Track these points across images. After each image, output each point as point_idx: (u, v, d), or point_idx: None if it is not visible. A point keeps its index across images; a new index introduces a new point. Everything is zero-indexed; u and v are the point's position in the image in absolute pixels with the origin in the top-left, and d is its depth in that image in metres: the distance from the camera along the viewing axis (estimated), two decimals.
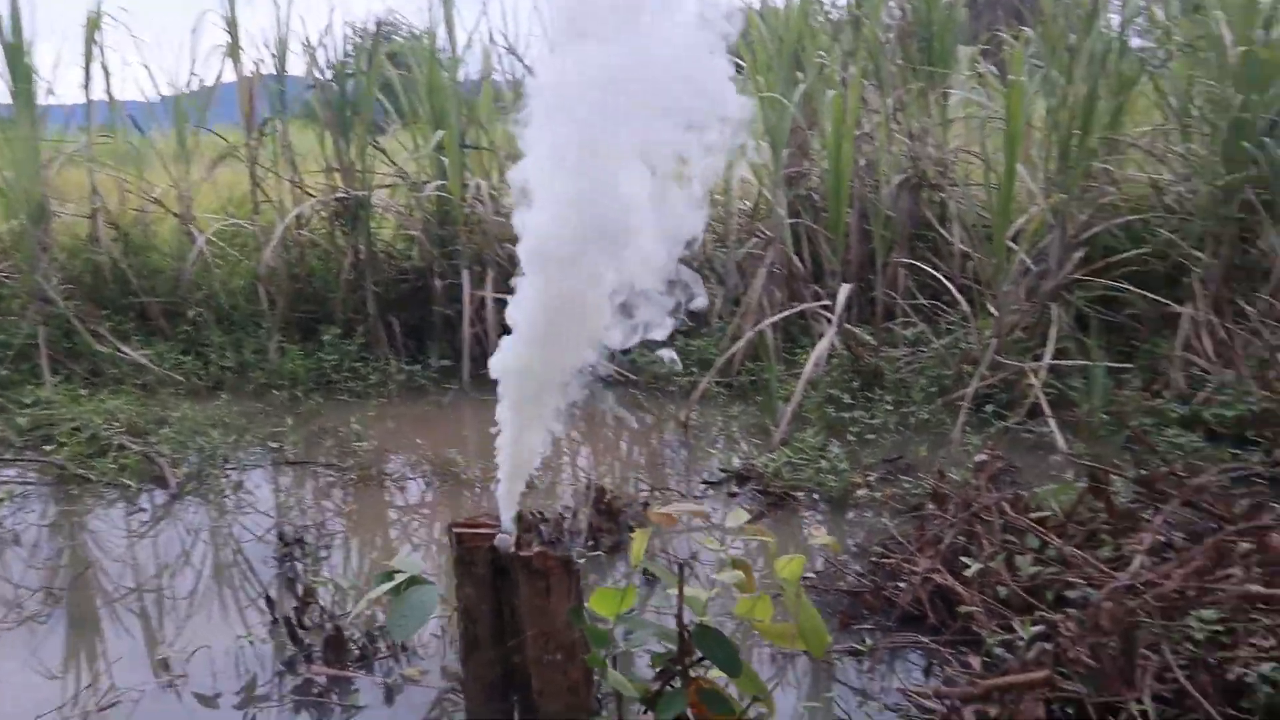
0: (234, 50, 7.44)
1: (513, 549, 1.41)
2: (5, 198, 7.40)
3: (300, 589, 3.30)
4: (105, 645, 3.21)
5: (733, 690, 1.56)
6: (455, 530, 1.43)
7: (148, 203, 7.90)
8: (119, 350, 6.75)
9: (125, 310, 7.38)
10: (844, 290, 5.86)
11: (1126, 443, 4.79)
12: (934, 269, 7.14)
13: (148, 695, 2.89)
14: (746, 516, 1.67)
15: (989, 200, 6.64)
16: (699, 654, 1.48)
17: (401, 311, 7.25)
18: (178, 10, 8.18)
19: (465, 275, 6.91)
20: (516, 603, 1.41)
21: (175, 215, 7.79)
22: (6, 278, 7.42)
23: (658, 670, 1.51)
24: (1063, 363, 5.45)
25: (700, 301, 2.04)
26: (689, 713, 1.45)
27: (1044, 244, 6.24)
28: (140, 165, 7.86)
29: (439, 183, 7.25)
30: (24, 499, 4.62)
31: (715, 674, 1.57)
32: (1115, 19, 6.78)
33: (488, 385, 5.34)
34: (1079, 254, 6.04)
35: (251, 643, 3.13)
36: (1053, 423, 4.95)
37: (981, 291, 6.24)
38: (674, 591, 1.50)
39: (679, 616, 1.49)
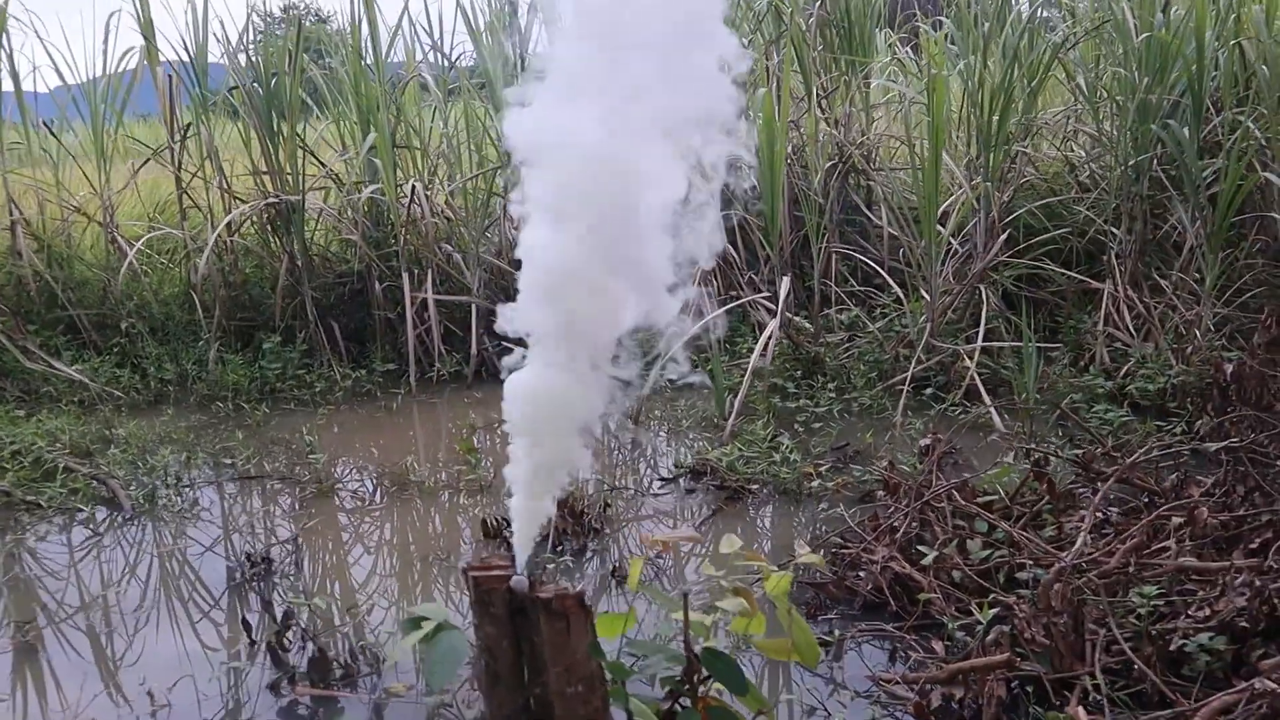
0: (150, 50, 7.30)
1: (529, 590, 1.50)
2: None
3: (277, 610, 3.33)
4: (84, 678, 3.20)
5: (737, 705, 1.68)
6: (471, 574, 1.51)
7: (69, 211, 7.73)
8: (51, 366, 6.62)
9: (54, 324, 7.22)
10: (785, 282, 6.00)
11: (1059, 420, 5.02)
12: (864, 253, 7.37)
13: None
14: (739, 544, 1.78)
15: (915, 184, 6.86)
16: (705, 673, 1.59)
17: (342, 316, 7.22)
18: (84, 4, 7.87)
19: (405, 278, 6.91)
20: (536, 640, 1.50)
21: (99, 224, 7.64)
22: None
23: (667, 691, 1.63)
24: (994, 344, 5.68)
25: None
26: None
27: (969, 227, 6.47)
28: (57, 170, 7.67)
29: (374, 187, 7.20)
30: None
31: (717, 686, 1.69)
32: (1025, 5, 7.07)
33: (433, 388, 5.37)
34: (1003, 236, 6.28)
35: (234, 669, 3.16)
36: (989, 403, 5.16)
37: (912, 275, 6.45)
38: (670, 613, 1.61)
39: (686, 642, 1.60)
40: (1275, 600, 2.60)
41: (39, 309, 7.26)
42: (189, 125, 7.37)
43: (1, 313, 6.91)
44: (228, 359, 6.73)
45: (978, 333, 5.79)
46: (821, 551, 3.64)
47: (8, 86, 7.30)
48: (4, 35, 7.07)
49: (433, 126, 7.75)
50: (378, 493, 4.88)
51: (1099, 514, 3.49)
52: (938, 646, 2.90)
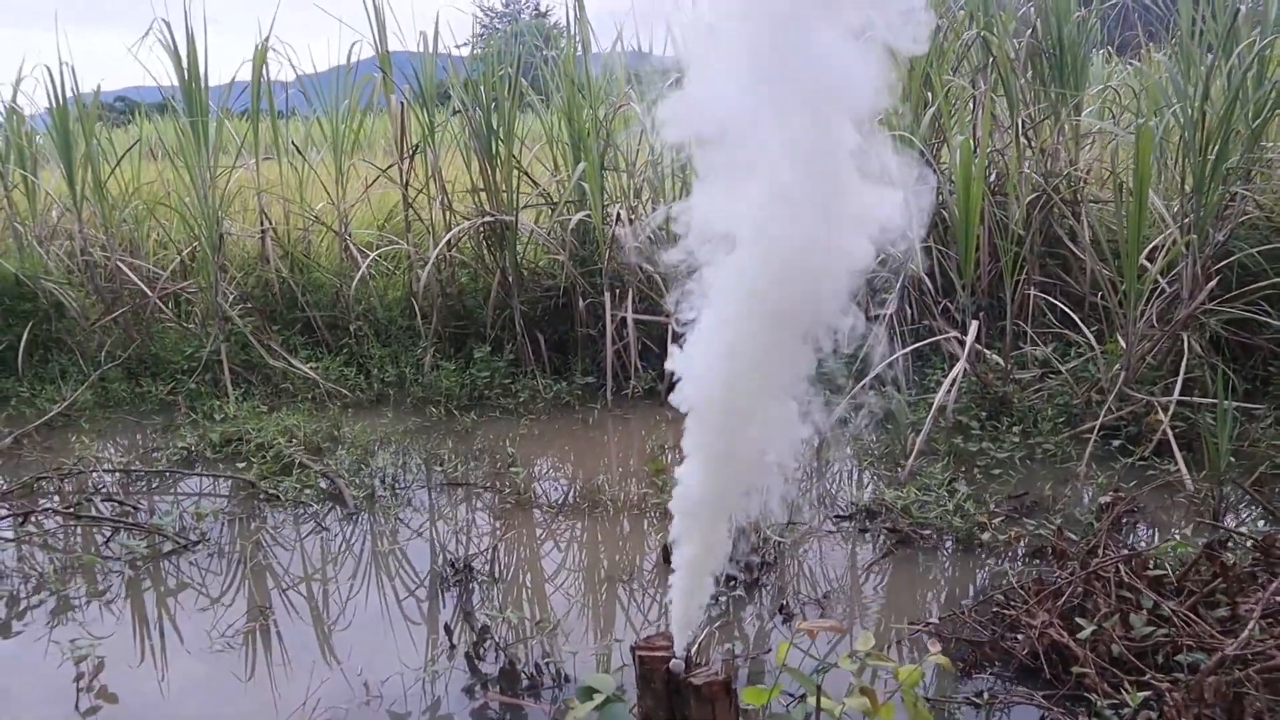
0: (386, 81, 7.98)
1: (684, 675, 1.76)
2: (186, 223, 8.16)
3: (475, 622, 3.74)
4: (312, 664, 3.70)
5: None
6: (637, 652, 1.78)
7: (309, 221, 8.58)
8: (290, 364, 7.40)
9: (292, 324, 8.06)
10: (974, 325, 6.00)
11: (1256, 484, 4.85)
12: (1065, 289, 7.23)
13: (350, 713, 3.37)
14: (872, 642, 1.97)
15: (1119, 222, 6.68)
16: None
17: (547, 328, 7.71)
18: (331, 34, 8.67)
19: (607, 296, 7.31)
20: (686, 714, 1.76)
21: (335, 233, 8.44)
22: (189, 295, 8.20)
23: None
24: (1189, 399, 5.50)
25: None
26: None
27: (1178, 269, 6.25)
28: (301, 186, 8.52)
29: (582, 214, 7.61)
30: (223, 515, 5.20)
31: None
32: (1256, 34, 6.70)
33: (628, 403, 5.67)
34: (1212, 282, 6.04)
35: (434, 671, 3.58)
36: (1180, 461, 5.04)
37: (1113, 314, 6.31)
38: (809, 696, 1.83)
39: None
40: None
41: (281, 310, 8.11)
42: (416, 147, 8.03)
43: (251, 313, 7.77)
44: (442, 365, 7.33)
45: (1176, 381, 5.63)
46: (984, 611, 3.74)
47: (265, 125, 8.15)
48: (265, 67, 7.90)
49: (639, 150, 8.12)
50: (570, 508, 5.25)
51: (1277, 600, 3.43)
52: None
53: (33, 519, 5.06)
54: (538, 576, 4.52)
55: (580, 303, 7.57)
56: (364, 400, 7.20)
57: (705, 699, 1.71)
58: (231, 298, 7.66)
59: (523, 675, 3.47)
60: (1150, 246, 6.45)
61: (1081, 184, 7.51)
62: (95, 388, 7.29)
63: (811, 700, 1.82)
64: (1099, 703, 3.00)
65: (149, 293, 7.87)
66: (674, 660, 1.78)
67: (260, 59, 7.96)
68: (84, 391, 7.15)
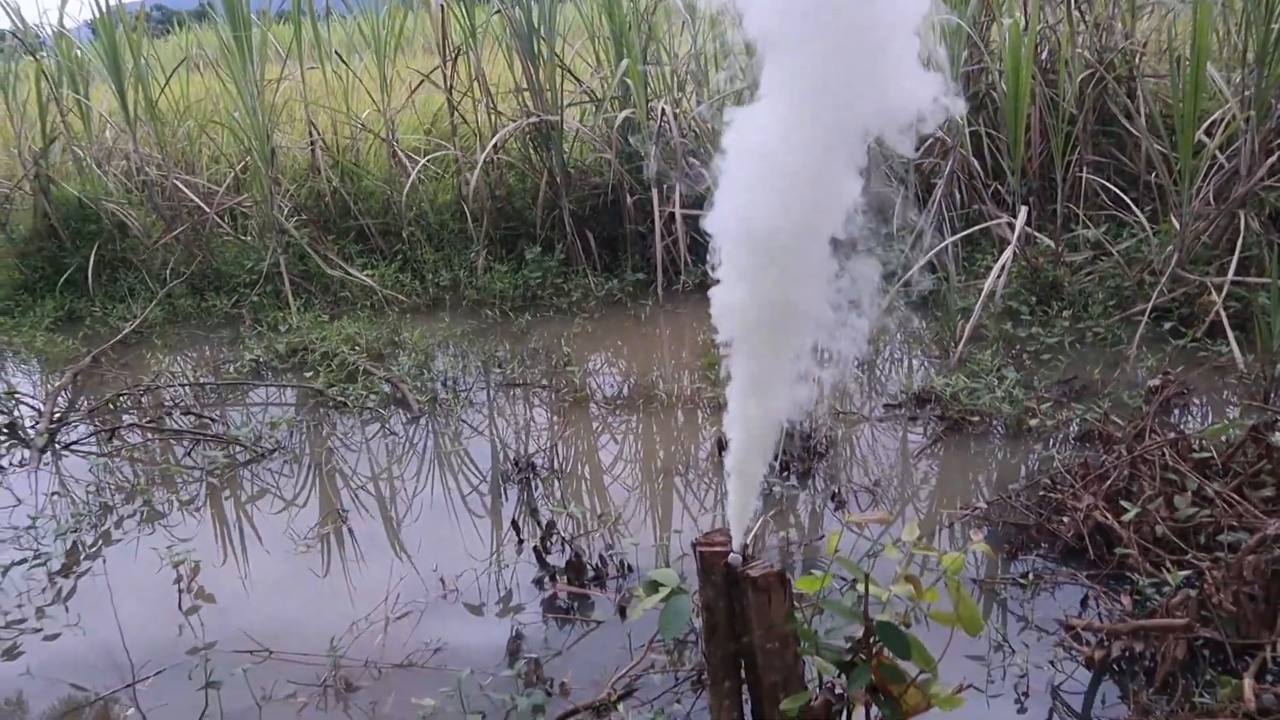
0: None
1: (741, 568, 1.90)
2: (236, 137, 8.28)
3: (541, 518, 3.95)
4: (391, 563, 3.94)
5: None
6: (698, 548, 1.93)
7: (357, 129, 8.65)
8: (347, 273, 7.58)
9: (346, 233, 8.22)
10: (1023, 211, 5.96)
11: None
12: (1119, 167, 7.11)
13: (429, 606, 3.60)
14: (918, 533, 2.09)
15: (1176, 95, 6.52)
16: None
17: (596, 226, 7.77)
18: None
19: (654, 193, 7.34)
20: (744, 604, 1.91)
21: (382, 140, 8.51)
22: (245, 209, 8.37)
23: (849, 646, 1.99)
24: (1246, 279, 5.45)
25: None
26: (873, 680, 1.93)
27: (1237, 144, 6.12)
28: (347, 95, 8.57)
29: (627, 112, 7.57)
30: (294, 423, 5.44)
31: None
32: None
33: (679, 298, 5.73)
34: (1273, 157, 5.91)
35: (506, 565, 3.79)
36: (1233, 341, 5.03)
37: (1167, 194, 6.22)
38: (858, 583, 1.97)
39: (865, 611, 1.95)
40: None
41: (335, 219, 8.26)
42: (459, 49, 8.01)
43: (306, 224, 7.93)
44: (494, 268, 7.45)
45: (1231, 261, 5.57)
46: (1031, 495, 3.86)
47: (306, 29, 8.15)
48: None
49: (681, 40, 8.03)
50: (626, 403, 5.41)
51: None
52: (1126, 601, 3.10)
53: (119, 434, 5.34)
54: (597, 471, 4.70)
55: (628, 200, 7.61)
56: (420, 305, 7.37)
57: (761, 589, 1.86)
58: (286, 210, 7.81)
59: (588, 567, 3.67)
60: (1209, 122, 6.31)
61: (1137, 58, 7.30)
62: (163, 304, 7.55)
63: (860, 587, 1.95)
64: (1141, 581, 3.11)
65: (206, 209, 8.05)
66: (732, 555, 1.92)
67: None
68: (153, 309, 7.41)
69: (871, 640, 1.93)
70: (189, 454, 5.12)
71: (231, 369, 6.30)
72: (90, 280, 7.84)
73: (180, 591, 3.81)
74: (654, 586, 2.00)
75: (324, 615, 3.61)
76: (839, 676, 2.03)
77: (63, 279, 8.00)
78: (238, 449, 5.07)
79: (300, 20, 8.10)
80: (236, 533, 4.36)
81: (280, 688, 3.15)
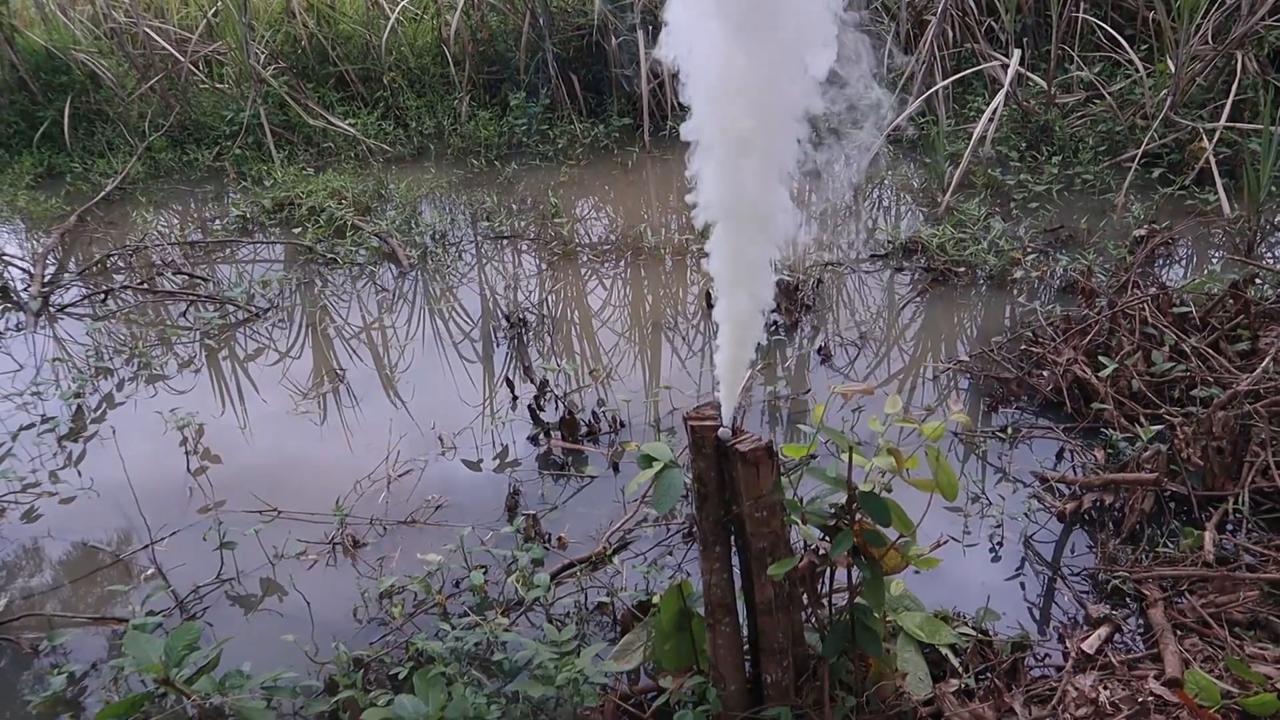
0: None
1: (731, 441, 1.98)
2: None
3: (534, 376, 4.04)
4: (390, 420, 4.04)
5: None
6: (689, 422, 2.00)
7: None
8: (330, 123, 7.45)
9: (325, 80, 8.02)
10: (1016, 54, 5.84)
11: None
12: (1117, 3, 6.93)
13: (430, 463, 3.73)
14: (899, 404, 2.17)
15: None
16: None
17: (581, 69, 7.59)
18: None
19: (640, 35, 7.14)
20: (734, 475, 2.00)
21: None
22: (220, 57, 8.12)
23: (833, 513, 2.10)
24: (1238, 125, 5.41)
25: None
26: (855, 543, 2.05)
27: None
28: None
29: None
30: (286, 281, 5.46)
31: None
32: None
33: (665, 144, 5.69)
34: None
35: (502, 422, 3.90)
36: (1220, 189, 5.04)
37: (1164, 31, 6.09)
38: (842, 452, 2.06)
39: (849, 475, 2.05)
40: None
41: (313, 66, 8.04)
42: None
43: (284, 72, 7.73)
44: (478, 114, 7.32)
45: (1225, 105, 5.52)
46: (1014, 349, 3.95)
47: None
48: None
49: None
50: (615, 255, 5.43)
51: None
52: (1099, 454, 3.23)
53: (112, 296, 5.36)
54: (587, 324, 4.77)
55: (613, 42, 7.41)
56: (405, 154, 7.28)
57: (750, 463, 1.95)
58: (263, 58, 7.59)
59: (581, 423, 3.79)
60: None
61: None
62: (144, 159, 7.43)
63: (844, 457, 2.05)
64: (1114, 435, 3.24)
65: (180, 58, 7.82)
66: (721, 429, 2.00)
67: None
68: (134, 165, 7.30)
69: (854, 507, 2.04)
70: (184, 315, 5.16)
71: (218, 225, 6.27)
72: (67, 134, 7.68)
73: (187, 454, 3.92)
74: (648, 460, 2.09)
75: (327, 473, 3.74)
76: (823, 538, 2.15)
77: (39, 134, 7.83)
78: (232, 308, 5.11)
79: None
80: (236, 393, 4.44)
81: (290, 546, 3.30)
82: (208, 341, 4.86)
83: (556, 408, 3.92)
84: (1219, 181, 5.09)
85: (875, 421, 2.12)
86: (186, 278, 5.52)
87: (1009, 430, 3.48)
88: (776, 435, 3.65)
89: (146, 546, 3.39)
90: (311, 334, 4.88)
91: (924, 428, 2.15)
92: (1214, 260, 4.67)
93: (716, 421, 2.03)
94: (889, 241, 5.13)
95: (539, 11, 7.45)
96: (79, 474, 3.89)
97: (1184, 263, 4.76)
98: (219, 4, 7.90)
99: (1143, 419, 3.27)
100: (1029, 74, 6.44)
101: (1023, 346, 3.90)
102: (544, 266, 5.37)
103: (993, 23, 7.08)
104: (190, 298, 5.27)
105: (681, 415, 2.27)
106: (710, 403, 2.10)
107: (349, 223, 5.91)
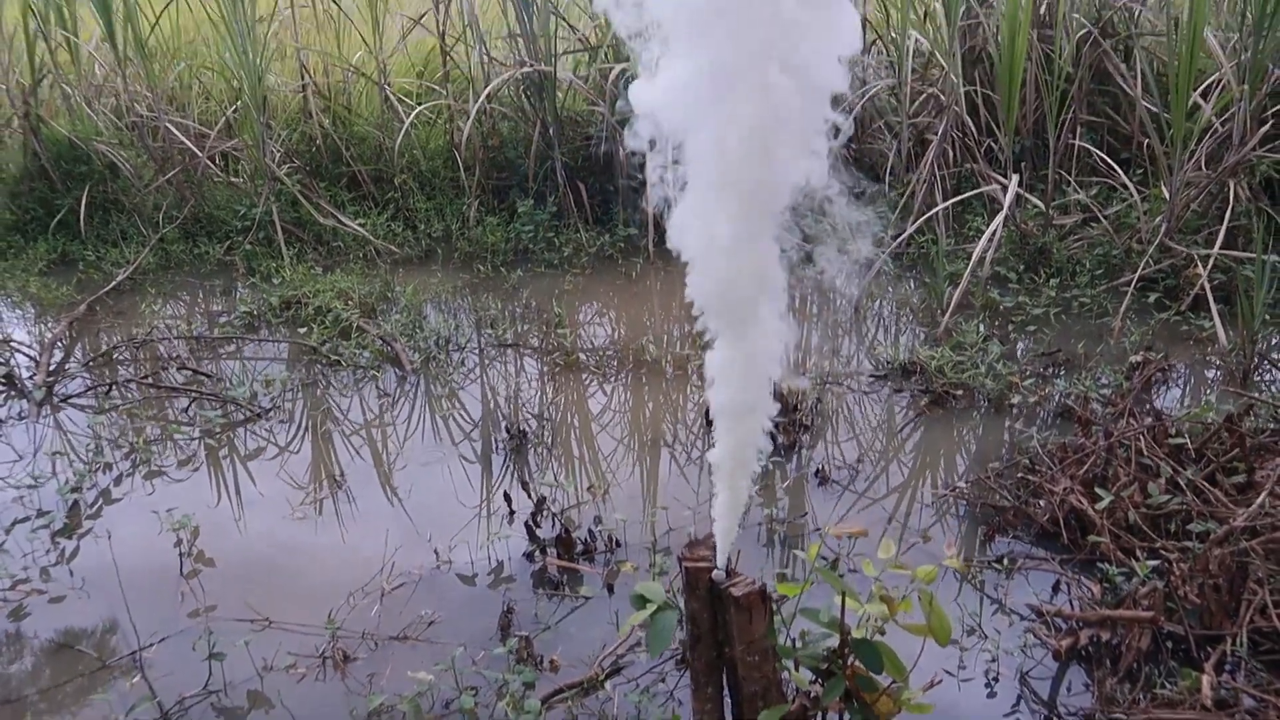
0: None
1: (724, 584, 1.99)
2: (229, 82, 8.19)
3: (532, 491, 4.04)
4: (385, 530, 4.03)
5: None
6: (684, 563, 2.02)
7: (348, 72, 8.57)
8: (340, 222, 7.58)
9: (337, 178, 8.19)
10: (1014, 178, 5.98)
11: None
12: (1113, 128, 7.12)
13: (425, 576, 3.71)
14: (893, 550, 2.18)
15: (1173, 57, 6.49)
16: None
17: (589, 178, 7.76)
18: None
19: (648, 145, 7.29)
20: (727, 618, 2.01)
21: (374, 83, 8.43)
22: (238, 153, 8.31)
23: (826, 656, 2.10)
24: (1232, 252, 5.51)
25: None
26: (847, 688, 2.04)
27: (1232, 110, 6.12)
28: (339, 36, 8.47)
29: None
30: (290, 381, 5.49)
31: None
32: None
33: (669, 255, 5.81)
34: (1265, 127, 5.92)
35: (496, 536, 3.89)
36: (1216, 316, 5.11)
37: (1159, 157, 6.23)
38: (836, 594, 2.07)
39: (841, 620, 2.05)
40: None
41: (326, 164, 8.22)
42: None
43: (298, 170, 7.90)
44: (486, 220, 7.46)
45: (1219, 231, 5.62)
46: (1010, 476, 3.96)
47: None
48: None
49: None
50: (616, 368, 5.47)
51: None
52: (1096, 588, 3.22)
53: (116, 388, 5.40)
54: (587, 439, 4.79)
55: (621, 153, 7.58)
56: (413, 255, 7.39)
57: (744, 608, 1.95)
58: (278, 156, 7.77)
59: (577, 541, 3.78)
60: (1205, 85, 6.31)
61: (1137, 14, 7.25)
62: (156, 250, 7.55)
63: (836, 599, 2.05)
64: (1111, 570, 3.23)
65: (198, 152, 8.00)
66: (716, 571, 2.01)
67: None
68: (147, 255, 7.41)
69: (846, 652, 2.04)
70: (186, 411, 5.18)
71: (226, 321, 6.33)
72: (82, 222, 7.81)
73: (181, 556, 3.90)
74: (642, 601, 2.09)
75: (321, 580, 3.72)
76: (815, 681, 2.14)
77: (55, 221, 7.98)
78: (234, 407, 5.14)
79: None
80: (235, 494, 4.45)
81: (280, 658, 3.27)
82: (208, 440, 4.87)
83: (553, 524, 3.92)
84: (1214, 308, 5.17)
85: (869, 565, 2.12)
86: (191, 373, 5.56)
87: (1005, 561, 3.48)
88: (772, 560, 3.63)
89: (133, 653, 3.36)
90: (312, 436, 4.90)
91: (917, 571, 2.16)
92: (1210, 389, 4.71)
93: (711, 563, 2.04)
94: (888, 361, 5.18)
95: (549, 121, 7.65)
96: (70, 572, 3.87)
97: (1181, 389, 4.80)
98: (240, 102, 8.11)
99: (1139, 553, 3.27)
100: (1027, 195, 6.57)
101: (1019, 474, 3.91)
102: (546, 377, 5.41)
103: (992, 143, 7.25)
104: (194, 394, 5.30)
105: (678, 536, 2.29)
106: (705, 540, 2.12)
107: (354, 324, 5.98)
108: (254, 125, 7.67)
